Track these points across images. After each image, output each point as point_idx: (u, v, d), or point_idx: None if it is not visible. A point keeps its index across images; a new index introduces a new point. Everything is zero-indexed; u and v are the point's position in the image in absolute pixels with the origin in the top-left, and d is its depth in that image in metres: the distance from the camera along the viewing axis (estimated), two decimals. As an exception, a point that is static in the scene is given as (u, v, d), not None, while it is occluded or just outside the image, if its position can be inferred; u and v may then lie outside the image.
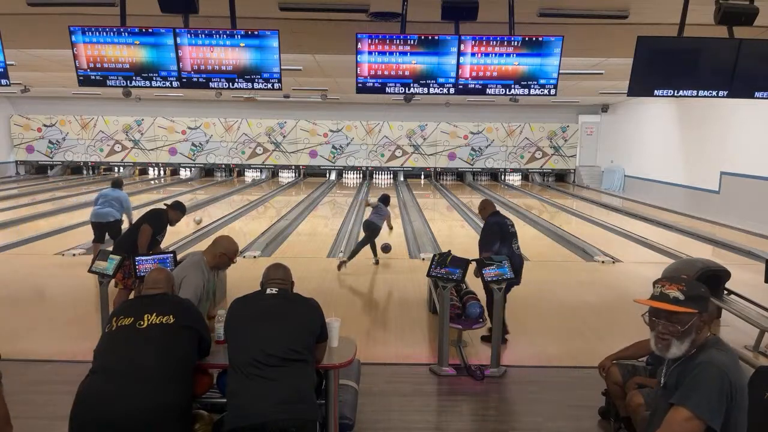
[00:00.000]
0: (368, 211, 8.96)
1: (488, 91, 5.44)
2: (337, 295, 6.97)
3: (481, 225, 5.75)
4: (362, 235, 8.68)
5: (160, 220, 6.13)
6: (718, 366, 2.06)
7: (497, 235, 5.44)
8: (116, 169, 23.63)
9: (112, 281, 5.32)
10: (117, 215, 7.94)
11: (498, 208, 5.93)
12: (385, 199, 8.85)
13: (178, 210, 6.28)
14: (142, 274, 4.89)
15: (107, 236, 7.97)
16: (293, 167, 23.57)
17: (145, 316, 2.78)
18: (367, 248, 8.48)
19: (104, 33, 5.20)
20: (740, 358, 3.40)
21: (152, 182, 22.06)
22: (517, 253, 5.52)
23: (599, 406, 4.07)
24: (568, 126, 22.81)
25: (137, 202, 15.89)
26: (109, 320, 2.89)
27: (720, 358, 2.09)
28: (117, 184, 8.28)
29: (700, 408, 2.00)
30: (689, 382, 2.05)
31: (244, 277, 7.22)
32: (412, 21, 5.42)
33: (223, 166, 23.65)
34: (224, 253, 3.90)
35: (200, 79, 5.33)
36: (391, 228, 8.93)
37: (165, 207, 6.34)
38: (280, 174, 23.92)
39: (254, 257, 8.85)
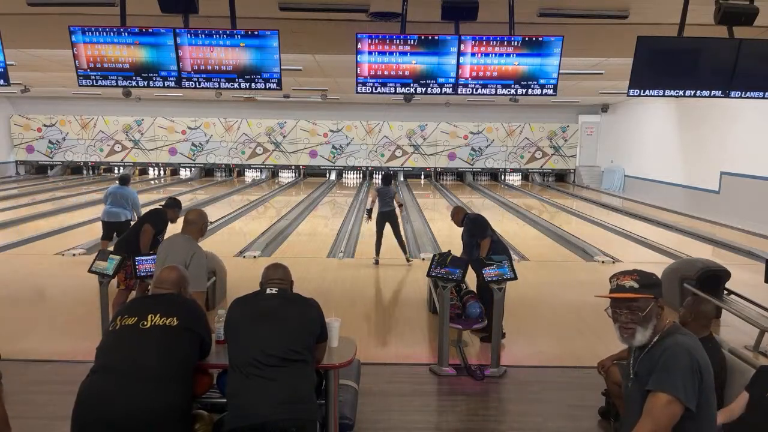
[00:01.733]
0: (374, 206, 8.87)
1: (488, 91, 5.45)
2: (337, 295, 6.97)
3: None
4: (374, 229, 8.65)
5: (161, 219, 6.14)
6: (685, 348, 2.16)
7: (488, 225, 5.87)
8: (116, 169, 23.65)
9: (114, 281, 5.32)
10: (128, 215, 7.99)
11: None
12: (386, 179, 8.81)
13: (175, 207, 6.29)
14: (142, 274, 4.89)
15: (115, 235, 7.96)
16: (293, 167, 23.58)
17: (149, 316, 2.77)
18: (371, 247, 8.47)
19: (104, 33, 5.20)
20: (740, 358, 3.42)
21: (152, 182, 22.07)
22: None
23: (599, 406, 4.07)
24: (568, 126, 22.82)
25: (137, 202, 15.91)
26: (113, 319, 2.88)
27: (685, 341, 2.20)
28: (124, 180, 8.28)
29: (677, 390, 2.08)
30: (661, 367, 2.14)
31: (244, 277, 7.22)
32: (412, 21, 5.42)
33: (223, 166, 23.66)
34: (204, 222, 4.34)
35: (200, 79, 5.33)
36: (401, 205, 8.89)
37: (162, 207, 6.34)
38: (280, 174, 23.93)
39: (254, 257, 8.85)
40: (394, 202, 8.62)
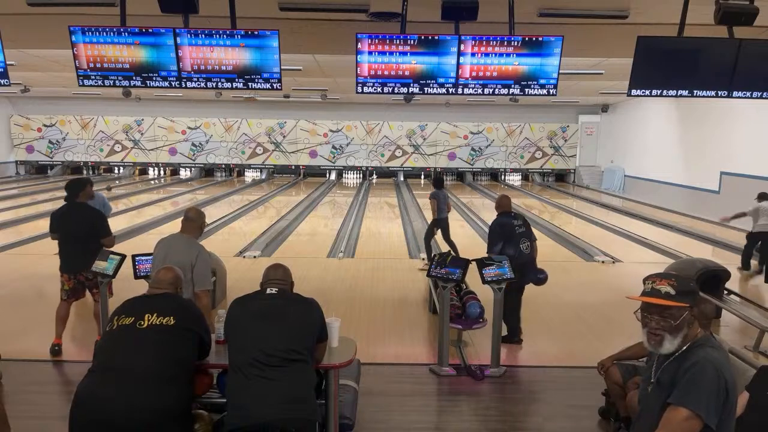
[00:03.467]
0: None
1: (488, 91, 5.44)
2: (337, 295, 6.97)
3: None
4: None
5: (99, 214, 5.53)
6: (715, 364, 2.08)
7: (500, 236, 5.45)
8: (116, 169, 23.66)
9: (61, 292, 5.19)
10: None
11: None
12: (440, 182, 8.39)
13: (85, 186, 5.51)
14: (142, 274, 4.88)
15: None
16: (293, 167, 23.56)
17: (146, 316, 2.77)
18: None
19: (104, 33, 5.20)
20: (740, 358, 3.43)
21: (152, 182, 22.06)
22: (525, 252, 5.46)
23: (599, 406, 4.07)
24: (568, 126, 22.81)
25: (137, 203, 15.93)
26: (110, 319, 2.88)
27: (715, 356, 2.12)
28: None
29: (699, 407, 2.02)
30: (687, 381, 2.07)
31: (244, 278, 7.22)
32: (412, 21, 5.42)
33: (223, 166, 23.66)
34: (203, 221, 4.46)
35: (200, 79, 5.33)
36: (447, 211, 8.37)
37: (79, 201, 5.50)
38: (280, 174, 23.93)
39: (254, 257, 8.84)
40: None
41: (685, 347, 2.17)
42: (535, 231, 5.71)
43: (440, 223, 8.36)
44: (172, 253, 4.15)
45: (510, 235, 5.44)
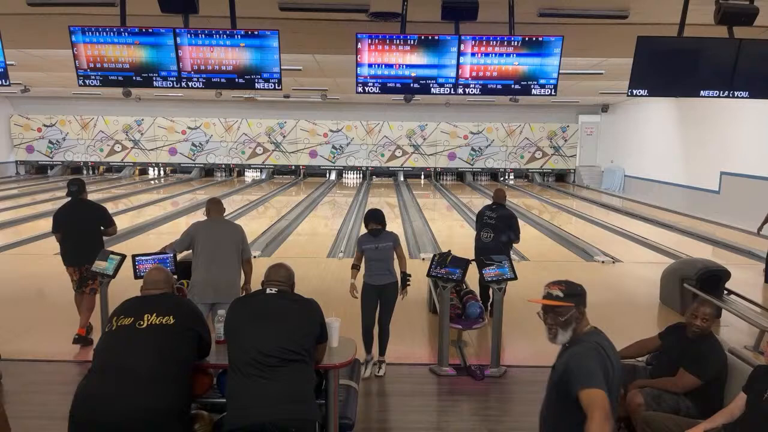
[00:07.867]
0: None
1: (488, 91, 5.44)
2: (337, 295, 6.95)
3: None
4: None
5: (104, 207, 5.69)
6: (594, 343, 2.46)
7: (477, 221, 6.51)
8: (116, 169, 23.67)
9: (73, 284, 5.50)
10: None
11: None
12: (374, 219, 4.80)
13: (80, 187, 5.58)
14: (142, 274, 4.88)
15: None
16: (293, 167, 23.57)
17: (145, 316, 2.77)
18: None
19: (104, 33, 5.20)
20: (740, 358, 3.43)
21: (152, 182, 22.06)
22: (483, 240, 6.23)
23: (599, 406, 4.07)
24: (568, 126, 22.82)
25: (137, 202, 15.92)
26: (109, 320, 2.89)
27: (597, 339, 2.50)
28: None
29: (592, 382, 2.30)
30: (575, 369, 2.38)
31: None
32: (412, 21, 5.42)
33: (223, 166, 23.66)
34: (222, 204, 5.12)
35: (200, 79, 5.32)
36: (407, 276, 4.89)
37: (82, 198, 5.62)
38: (279, 174, 23.93)
39: (254, 257, 8.82)
40: (394, 268, 4.88)
41: (575, 337, 2.53)
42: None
43: (374, 291, 4.94)
44: (222, 233, 4.72)
45: (479, 222, 6.38)
